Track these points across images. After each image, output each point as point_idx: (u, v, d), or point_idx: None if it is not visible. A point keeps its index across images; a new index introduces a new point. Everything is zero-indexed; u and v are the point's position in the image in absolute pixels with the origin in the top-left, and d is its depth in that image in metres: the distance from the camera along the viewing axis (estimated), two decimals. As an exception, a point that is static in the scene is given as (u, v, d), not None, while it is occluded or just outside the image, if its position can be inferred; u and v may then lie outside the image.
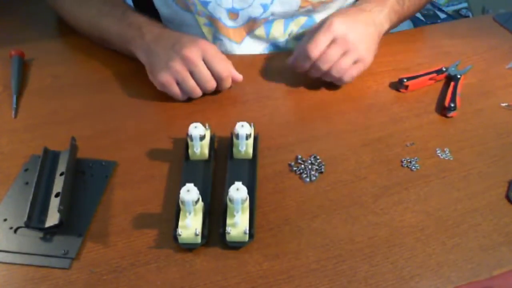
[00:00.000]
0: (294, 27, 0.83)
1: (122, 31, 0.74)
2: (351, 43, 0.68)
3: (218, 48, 0.82)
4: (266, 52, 0.85)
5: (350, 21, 0.70)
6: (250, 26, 0.80)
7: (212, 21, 0.79)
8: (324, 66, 0.69)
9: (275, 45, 0.85)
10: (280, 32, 0.82)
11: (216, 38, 0.82)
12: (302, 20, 0.82)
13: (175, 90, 0.69)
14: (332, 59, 0.69)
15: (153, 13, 0.84)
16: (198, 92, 0.69)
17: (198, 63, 0.67)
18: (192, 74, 0.68)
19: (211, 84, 0.69)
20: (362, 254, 0.53)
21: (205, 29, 0.81)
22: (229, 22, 0.79)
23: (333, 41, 0.68)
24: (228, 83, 0.71)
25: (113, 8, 0.76)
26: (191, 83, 0.68)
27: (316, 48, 0.68)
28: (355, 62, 0.70)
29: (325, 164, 0.63)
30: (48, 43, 0.84)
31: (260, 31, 0.81)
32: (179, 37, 0.69)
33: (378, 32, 0.73)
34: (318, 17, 0.83)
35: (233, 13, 0.78)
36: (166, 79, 0.68)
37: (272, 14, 0.78)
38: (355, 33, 0.69)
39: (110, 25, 0.75)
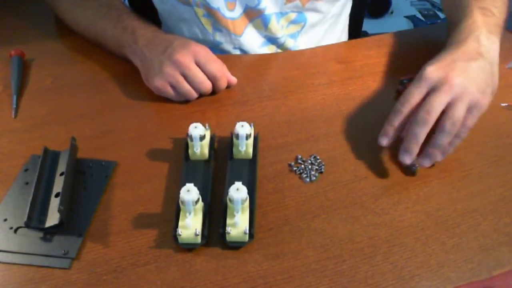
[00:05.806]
0: (284, 22, 0.83)
1: (117, 35, 0.74)
2: (456, 85, 0.56)
3: (219, 38, 0.81)
4: (265, 46, 0.85)
5: (446, 63, 0.59)
6: (249, 15, 0.81)
7: (211, 12, 0.79)
8: (427, 119, 0.56)
9: (274, 40, 0.85)
10: (275, 25, 0.82)
11: (216, 29, 0.82)
12: (292, 15, 0.83)
13: (171, 93, 0.69)
14: (435, 109, 0.56)
15: (150, 10, 0.85)
16: (193, 94, 0.69)
17: (191, 66, 0.67)
18: (185, 77, 0.68)
19: (206, 85, 0.69)
20: (362, 254, 0.53)
21: (204, 20, 0.81)
22: (227, 13, 0.79)
23: (432, 90, 0.57)
24: (223, 83, 0.71)
25: (109, 11, 0.76)
26: (185, 86, 0.68)
27: (405, 98, 0.58)
28: (468, 110, 0.57)
29: (325, 164, 0.63)
30: (48, 43, 0.84)
31: (258, 22, 0.81)
32: (171, 41, 0.69)
33: (489, 61, 0.61)
34: (309, 16, 0.84)
35: (231, 3, 0.78)
36: (160, 84, 0.68)
37: (266, 6, 0.79)
38: (457, 73, 0.57)
39: (105, 28, 0.76)
